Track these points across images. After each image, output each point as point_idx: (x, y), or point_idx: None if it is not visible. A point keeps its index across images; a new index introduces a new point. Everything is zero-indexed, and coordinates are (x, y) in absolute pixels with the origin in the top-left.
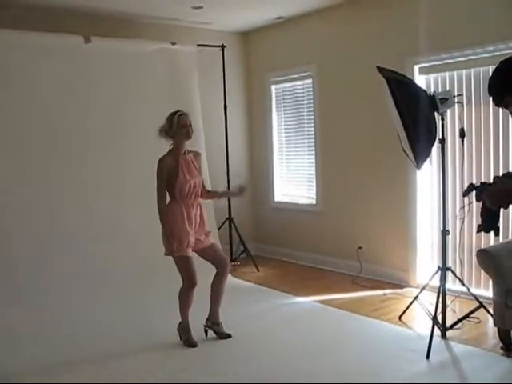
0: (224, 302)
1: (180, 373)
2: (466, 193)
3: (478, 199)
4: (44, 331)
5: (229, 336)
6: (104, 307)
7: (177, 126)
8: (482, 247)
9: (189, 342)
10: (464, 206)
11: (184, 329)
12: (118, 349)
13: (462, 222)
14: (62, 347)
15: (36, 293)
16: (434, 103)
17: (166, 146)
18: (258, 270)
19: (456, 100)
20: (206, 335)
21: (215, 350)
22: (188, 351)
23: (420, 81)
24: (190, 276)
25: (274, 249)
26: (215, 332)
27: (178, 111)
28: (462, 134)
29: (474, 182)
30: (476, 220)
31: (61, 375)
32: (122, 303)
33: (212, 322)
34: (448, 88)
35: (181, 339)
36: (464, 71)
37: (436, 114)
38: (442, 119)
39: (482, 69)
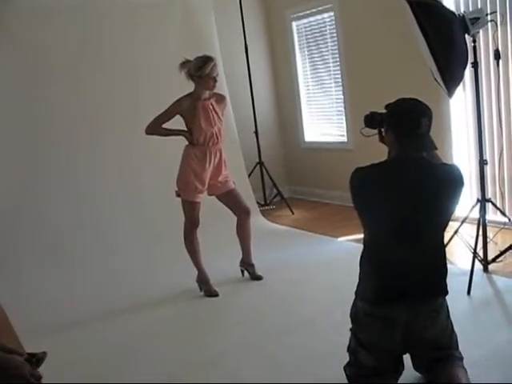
0: (259, 246)
1: (201, 323)
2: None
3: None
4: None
5: (260, 278)
6: (125, 260)
7: (205, 74)
8: None
9: (209, 293)
10: (503, 134)
11: (202, 279)
12: (139, 302)
13: (501, 151)
14: (87, 299)
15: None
16: (464, 24)
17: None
18: (293, 213)
19: (489, 18)
20: (243, 275)
21: (241, 297)
22: (210, 300)
23: (449, 0)
24: (192, 217)
25: (308, 190)
26: (248, 273)
27: (212, 59)
28: (497, 56)
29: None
30: None
31: (86, 326)
32: (142, 256)
33: (245, 263)
34: (479, 6)
35: (201, 290)
36: None
37: (467, 35)
38: (474, 41)
39: None
